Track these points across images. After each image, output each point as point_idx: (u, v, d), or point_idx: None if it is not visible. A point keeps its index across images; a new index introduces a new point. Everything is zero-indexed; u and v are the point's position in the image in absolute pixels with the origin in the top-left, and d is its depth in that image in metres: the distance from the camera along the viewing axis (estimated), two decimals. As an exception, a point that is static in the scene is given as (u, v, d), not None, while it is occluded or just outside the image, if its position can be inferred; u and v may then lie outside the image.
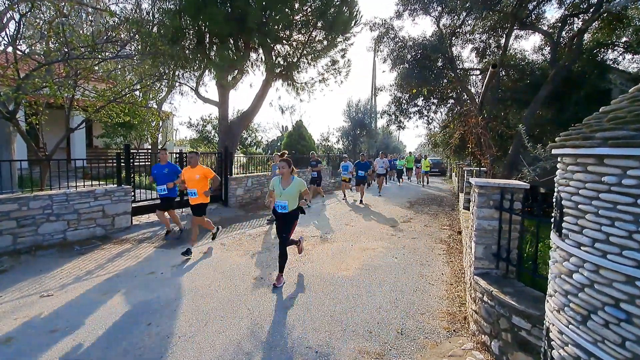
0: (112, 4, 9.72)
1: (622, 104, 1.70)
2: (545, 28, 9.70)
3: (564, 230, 1.80)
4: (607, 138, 1.55)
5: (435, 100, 12.11)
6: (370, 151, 25.32)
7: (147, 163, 16.18)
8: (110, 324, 3.19)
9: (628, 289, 1.44)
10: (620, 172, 1.49)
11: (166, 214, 6.36)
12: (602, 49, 8.99)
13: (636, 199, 1.42)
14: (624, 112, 1.61)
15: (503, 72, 10.17)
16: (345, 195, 11.61)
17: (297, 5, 8.94)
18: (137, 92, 9.01)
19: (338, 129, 26.63)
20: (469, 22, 10.53)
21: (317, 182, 10.34)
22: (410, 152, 23.97)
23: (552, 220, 1.98)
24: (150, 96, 9.78)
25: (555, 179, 1.97)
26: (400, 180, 18.32)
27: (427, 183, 17.76)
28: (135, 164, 8.97)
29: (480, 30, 10.63)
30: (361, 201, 10.61)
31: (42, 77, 6.20)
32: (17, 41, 6.58)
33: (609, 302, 1.51)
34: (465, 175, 8.88)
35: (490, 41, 10.90)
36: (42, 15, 7.60)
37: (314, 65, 10.60)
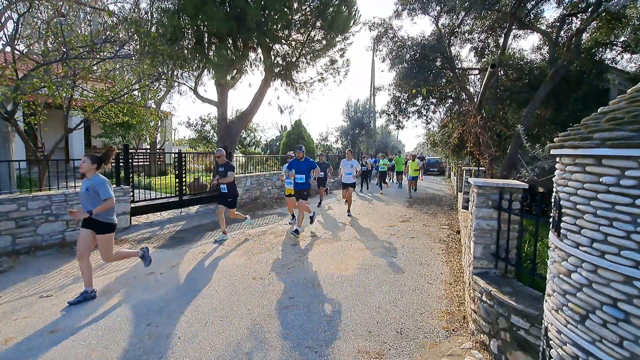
0: (111, 3, 9.72)
1: (620, 104, 1.70)
2: (543, 28, 9.73)
3: (562, 230, 1.81)
4: (606, 139, 1.56)
5: (434, 100, 12.11)
6: (370, 150, 25.29)
7: (146, 163, 16.21)
8: (110, 324, 3.19)
9: (626, 289, 1.45)
10: (619, 172, 1.50)
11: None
12: (601, 49, 9.03)
13: (634, 199, 1.43)
14: (622, 113, 1.61)
15: (502, 72, 10.18)
16: (292, 219, 7.83)
17: (296, 5, 8.93)
18: (135, 92, 8.99)
19: (337, 129, 26.60)
20: (468, 21, 10.55)
21: (228, 202, 6.20)
22: (399, 152, 19.71)
23: (551, 220, 1.99)
24: (149, 96, 9.76)
25: (553, 179, 1.98)
26: (385, 184, 14.94)
27: (415, 190, 13.59)
28: (134, 164, 8.97)
29: (479, 29, 10.64)
30: (295, 231, 6.45)
31: (40, 77, 6.18)
32: (16, 41, 6.56)
33: (607, 302, 1.52)
34: (464, 174, 8.90)
35: (489, 41, 10.92)
36: (40, 14, 7.58)
37: (312, 65, 10.60)
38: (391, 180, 17.54)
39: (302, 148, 6.75)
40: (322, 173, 9.72)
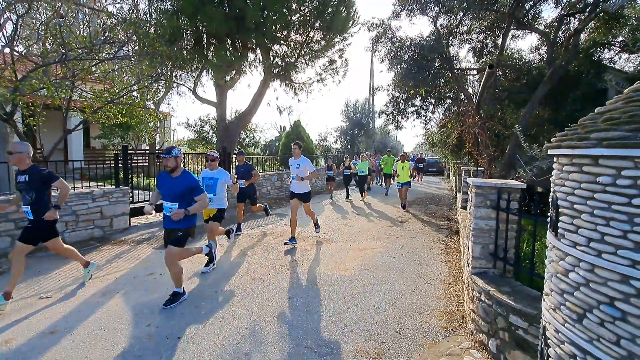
0: (109, 4, 9.71)
1: (616, 104, 1.72)
2: (542, 28, 9.74)
3: (560, 230, 1.82)
4: (602, 139, 1.57)
5: (433, 100, 12.12)
6: (369, 150, 25.26)
7: (145, 164, 16.20)
8: (110, 325, 3.20)
9: (623, 288, 1.46)
10: (615, 172, 1.51)
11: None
12: (599, 49, 9.05)
13: (630, 199, 1.44)
14: (619, 113, 1.63)
15: (500, 72, 10.20)
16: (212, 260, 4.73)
17: (294, 6, 8.95)
18: (134, 93, 8.99)
19: (336, 129, 26.63)
20: (466, 22, 10.56)
21: (41, 234, 3.85)
22: (388, 151, 15.38)
23: (549, 219, 2.00)
24: (148, 97, 9.75)
25: (551, 179, 1.99)
26: (363, 193, 11.96)
27: (405, 207, 9.92)
28: (133, 165, 8.97)
29: (477, 30, 10.66)
30: (208, 269, 4.59)
31: (39, 78, 6.18)
32: (14, 42, 6.56)
33: (604, 301, 1.53)
34: (463, 174, 8.91)
35: (487, 41, 10.94)
36: (39, 16, 7.58)
37: (311, 66, 10.61)
38: (381, 185, 15.60)
39: (175, 152, 3.60)
40: (241, 182, 6.46)
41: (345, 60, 10.90)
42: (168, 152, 3.57)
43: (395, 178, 10.31)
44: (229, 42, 9.20)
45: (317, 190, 13.87)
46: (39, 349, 2.81)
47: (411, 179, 11.19)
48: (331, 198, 12.01)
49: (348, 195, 12.20)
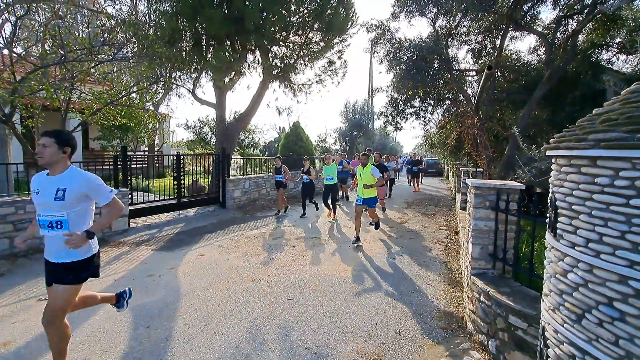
0: (108, 5, 9.73)
1: (614, 105, 1.73)
2: (540, 29, 9.78)
3: (558, 231, 1.83)
4: (600, 140, 1.58)
5: (432, 101, 12.13)
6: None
7: (144, 165, 16.19)
8: (109, 327, 3.19)
9: (621, 288, 1.47)
10: (613, 173, 1.52)
11: None
12: (597, 50, 9.07)
13: (628, 199, 1.45)
14: (616, 114, 1.64)
15: (499, 73, 10.22)
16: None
17: (293, 7, 8.98)
18: (134, 95, 8.99)
19: (335, 130, 26.71)
20: (465, 23, 10.58)
21: None
22: (369, 149, 12.05)
23: (547, 220, 2.01)
24: (147, 98, 9.75)
25: (549, 179, 2.00)
26: (330, 210, 8.31)
27: (375, 227, 7.05)
28: (132, 166, 8.96)
29: (476, 31, 10.68)
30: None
31: (38, 79, 6.18)
32: (13, 43, 6.56)
33: (603, 301, 1.54)
34: (462, 175, 8.93)
35: (486, 42, 10.96)
36: (37, 17, 7.59)
37: (310, 67, 10.67)
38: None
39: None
40: None
41: (344, 61, 10.97)
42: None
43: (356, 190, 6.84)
44: (228, 43, 9.22)
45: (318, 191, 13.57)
46: (37, 351, 2.80)
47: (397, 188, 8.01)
48: (284, 212, 9.01)
49: (304, 212, 8.59)
